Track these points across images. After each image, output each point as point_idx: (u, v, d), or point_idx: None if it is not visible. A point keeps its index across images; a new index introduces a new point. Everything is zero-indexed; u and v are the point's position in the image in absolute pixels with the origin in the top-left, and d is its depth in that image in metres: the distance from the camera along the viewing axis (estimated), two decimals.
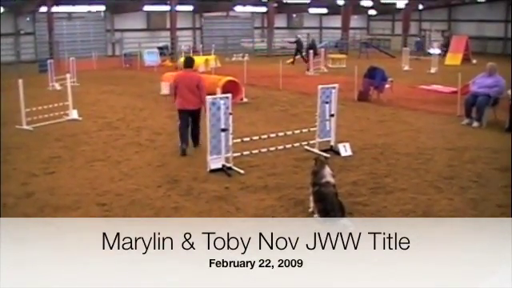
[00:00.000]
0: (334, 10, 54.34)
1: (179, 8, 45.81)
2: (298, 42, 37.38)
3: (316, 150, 11.17)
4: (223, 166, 9.80)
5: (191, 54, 38.37)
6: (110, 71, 33.36)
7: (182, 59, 28.82)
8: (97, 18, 50.05)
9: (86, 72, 30.01)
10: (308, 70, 29.92)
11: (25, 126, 14.85)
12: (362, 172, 9.97)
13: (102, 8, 48.69)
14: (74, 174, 10.25)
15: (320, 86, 11.17)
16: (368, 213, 7.80)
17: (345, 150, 11.13)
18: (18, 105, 14.99)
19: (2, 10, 44.05)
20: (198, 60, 32.97)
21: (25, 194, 8.99)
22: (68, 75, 17.34)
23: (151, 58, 37.56)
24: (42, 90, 23.12)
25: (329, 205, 7.25)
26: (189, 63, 12.12)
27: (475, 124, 14.24)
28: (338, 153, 11.09)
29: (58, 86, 24.10)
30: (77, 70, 26.31)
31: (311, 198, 7.70)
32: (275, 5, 48.91)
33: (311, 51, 31.10)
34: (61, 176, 10.13)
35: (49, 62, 26.80)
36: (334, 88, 11.24)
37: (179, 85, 11.55)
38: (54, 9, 41.96)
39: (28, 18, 46.50)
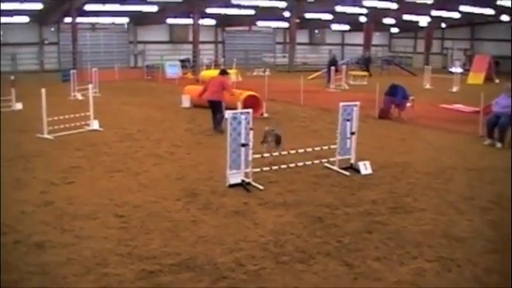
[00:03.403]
0: (356, 26, 54.37)
1: (202, 21, 46.01)
2: (333, 59, 37.10)
3: (336, 168, 11.12)
4: (242, 181, 9.78)
5: (212, 68, 38.68)
6: (132, 82, 33.62)
7: (204, 72, 29.01)
8: (120, 29, 50.55)
9: (108, 83, 30.29)
10: (329, 86, 29.95)
11: (46, 135, 14.98)
12: (382, 191, 9.89)
13: (126, 20, 49.15)
14: (93, 184, 10.29)
15: (341, 104, 11.13)
16: (387, 232, 7.72)
17: (365, 168, 11.06)
18: (40, 113, 15.14)
19: (28, 19, 44.60)
20: None
21: (43, 203, 9.03)
22: (90, 85, 17.48)
23: (173, 70, 37.79)
24: (64, 99, 23.37)
25: None
26: (222, 72, 17.05)
27: (499, 145, 14.11)
28: (358, 171, 11.02)
29: (79, 96, 24.33)
30: (99, 81, 26.56)
31: None
32: (297, 20, 48.96)
33: (332, 67, 31.14)
34: (80, 186, 10.17)
35: (72, 71, 27.04)
36: (355, 106, 11.20)
37: (210, 83, 16.33)
38: (79, 19, 42.35)
39: (52, 28, 47.07)
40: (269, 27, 56.79)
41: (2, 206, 8.55)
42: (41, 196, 9.46)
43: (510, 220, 8.17)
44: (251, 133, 9.72)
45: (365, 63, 42.38)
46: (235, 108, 17.01)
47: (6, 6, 40.20)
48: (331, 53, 46.24)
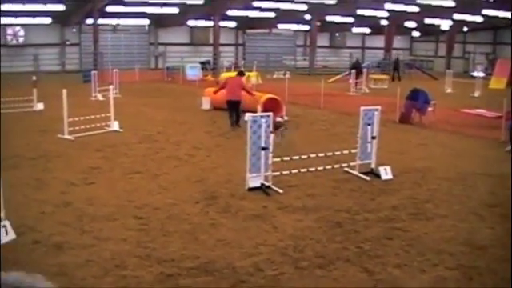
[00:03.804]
0: (377, 30, 54.14)
1: (222, 24, 46.09)
2: (357, 62, 36.85)
3: (356, 172, 11.05)
4: (262, 184, 9.74)
5: (233, 70, 38.71)
6: (152, 84, 33.75)
7: (224, 74, 29.07)
8: (141, 31, 50.83)
9: (129, 84, 30.43)
10: (355, 88, 29.96)
11: (66, 136, 15.06)
12: (403, 196, 9.79)
13: (147, 22, 49.38)
14: (113, 185, 10.32)
15: (362, 108, 11.06)
16: (408, 239, 7.64)
17: (385, 173, 10.97)
18: (61, 114, 15.23)
19: (50, 20, 45.00)
20: None
21: (63, 203, 9.08)
22: (111, 87, 17.57)
23: (193, 72, 37.90)
24: (84, 99, 23.49)
25: None
26: (239, 73, 18.65)
27: None
28: (378, 176, 10.93)
29: (100, 97, 24.47)
30: (119, 82, 26.66)
31: None
32: (318, 23, 48.86)
33: (353, 71, 31.08)
34: (99, 187, 10.21)
35: (92, 72, 27.21)
36: (376, 110, 11.12)
37: (229, 84, 17.44)
38: (100, 21, 42.64)
39: (74, 29, 47.49)
40: (289, 30, 56.76)
41: (15, 205, 8.59)
42: (61, 196, 9.51)
43: None
44: (271, 136, 9.69)
45: (394, 67, 42.03)
46: (255, 111, 17.04)
47: (28, 8, 40.65)
48: (353, 56, 46.16)
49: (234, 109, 17.12)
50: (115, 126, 16.27)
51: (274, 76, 40.41)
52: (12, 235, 7.44)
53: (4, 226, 7.44)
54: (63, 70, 46.17)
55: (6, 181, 8.09)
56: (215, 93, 18.71)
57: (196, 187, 10.11)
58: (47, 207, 8.86)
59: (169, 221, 8.21)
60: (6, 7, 39.75)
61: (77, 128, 15.32)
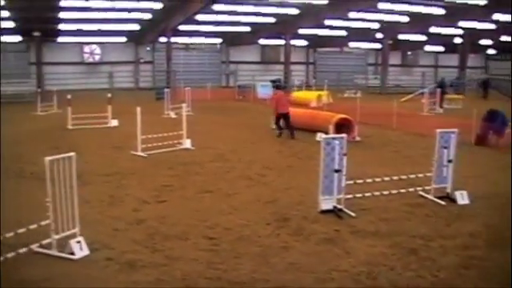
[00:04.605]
0: (450, 48, 53.09)
1: (294, 42, 46.20)
2: (442, 81, 36.09)
3: (431, 197, 10.73)
4: (334, 207, 9.58)
5: (304, 89, 38.71)
6: (224, 102, 34.03)
7: (296, 93, 29.15)
8: (213, 49, 51.52)
9: (200, 102, 30.78)
10: (440, 107, 29.60)
11: (139, 153, 15.32)
12: (480, 223, 9.39)
13: (219, 40, 50.00)
14: (185, 204, 10.37)
15: (438, 130, 10.75)
16: (485, 268, 7.32)
17: (462, 197, 10.60)
18: (134, 130, 15.51)
19: (125, 39, 46.21)
20: (310, 95, 33.13)
21: (136, 221, 9.18)
22: (184, 105, 17.79)
23: (264, 90, 38.03)
24: (157, 117, 23.94)
25: None
26: (279, 87, 22.30)
27: None
28: (454, 200, 10.59)
29: (172, 114, 24.86)
30: (191, 100, 26.98)
31: None
32: (390, 42, 48.32)
33: (438, 90, 30.72)
34: (171, 205, 10.28)
35: (165, 90, 27.69)
36: (453, 133, 10.80)
37: (280, 99, 19.75)
38: (173, 39, 43.44)
39: (148, 48, 48.60)
40: (361, 48, 56.38)
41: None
42: (133, 214, 9.63)
43: None
44: (345, 158, 9.54)
45: (482, 86, 41.09)
46: (326, 131, 16.91)
47: (105, 27, 41.88)
48: (424, 75, 45.30)
49: (286, 120, 19.26)
50: (187, 143, 16.44)
51: (345, 95, 40.12)
52: (86, 251, 7.56)
53: (79, 242, 7.57)
54: (137, 88, 47.26)
55: (81, 197, 8.23)
56: (275, 108, 19.77)
57: (267, 208, 10.02)
58: (120, 224, 8.98)
59: (240, 242, 8.15)
60: (83, 26, 41.15)
61: (150, 145, 15.56)
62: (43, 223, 7.49)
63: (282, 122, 19.51)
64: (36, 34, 40.40)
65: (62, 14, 38.02)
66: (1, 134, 17.61)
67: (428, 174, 10.91)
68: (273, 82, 43.22)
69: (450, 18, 39.83)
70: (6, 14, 36.34)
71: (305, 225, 9.00)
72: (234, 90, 41.79)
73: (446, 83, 35.39)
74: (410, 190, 10.91)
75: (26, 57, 45.60)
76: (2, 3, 33.00)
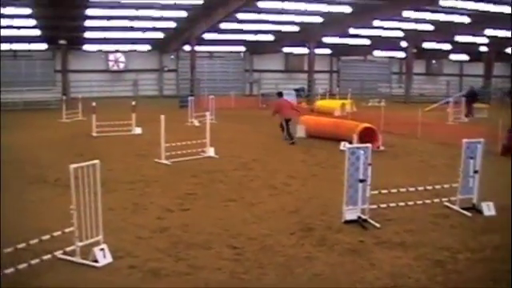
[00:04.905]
0: (475, 56, 52.59)
1: (317, 51, 46.11)
2: (471, 91, 35.55)
3: (457, 208, 10.59)
4: (359, 217, 9.49)
5: (327, 98, 38.57)
6: (247, 110, 34.05)
7: (319, 101, 29.14)
8: (237, 57, 51.61)
9: (224, 110, 30.81)
10: (468, 116, 29.40)
11: (163, 160, 15.36)
12: (507, 235, 9.24)
13: (242, 49, 50.10)
14: (208, 212, 10.36)
15: (465, 140, 10.61)
16: None
17: (488, 209, 10.44)
18: (158, 138, 15.56)
19: (149, 47, 46.53)
20: (334, 104, 33.00)
21: (159, 229, 9.18)
22: (207, 113, 17.80)
23: (288, 99, 37.88)
24: (181, 125, 24.02)
25: None
26: (281, 94, 22.26)
27: None
28: (480, 212, 10.43)
29: (196, 123, 24.91)
30: (215, 108, 27.02)
31: None
32: (414, 50, 48.02)
33: (463, 98, 30.56)
34: (195, 213, 10.28)
35: (190, 98, 27.77)
36: (479, 143, 10.66)
37: (283, 105, 20.59)
38: (197, 48, 43.62)
39: (172, 56, 48.88)
40: (384, 57, 56.12)
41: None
42: (157, 222, 9.64)
43: None
44: (370, 168, 9.45)
45: (510, 95, 40.57)
46: (350, 140, 16.81)
47: (129, 35, 42.25)
48: (449, 84, 44.95)
49: (287, 125, 20.19)
50: (211, 152, 16.44)
51: (369, 104, 39.88)
52: (109, 258, 7.57)
53: (102, 249, 7.58)
54: (161, 95, 47.49)
55: (105, 204, 8.26)
56: (275, 114, 20.86)
57: (291, 218, 9.96)
58: (144, 232, 8.99)
59: (263, 252, 8.10)
60: (108, 35, 41.54)
61: (173, 153, 15.59)
62: (67, 230, 7.52)
63: (285, 126, 20.27)
64: (62, 42, 40.82)
65: (88, 23, 38.40)
66: (0, 141, 17.82)
67: (454, 185, 10.76)
68: (296, 90, 43.27)
69: (476, 27, 39.49)
70: (32, 22, 36.82)
71: (329, 235, 8.92)
72: (258, 98, 41.76)
73: (475, 92, 34.88)
74: (436, 200, 10.77)
75: (51, 64, 46.09)
76: (30, 12, 33.43)
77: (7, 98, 40.13)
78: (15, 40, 41.46)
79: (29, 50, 44.49)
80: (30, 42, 42.69)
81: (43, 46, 44.19)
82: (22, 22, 36.87)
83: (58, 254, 7.46)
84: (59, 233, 7.59)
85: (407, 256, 8.01)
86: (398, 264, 7.70)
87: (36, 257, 7.19)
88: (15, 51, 44.50)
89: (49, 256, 7.31)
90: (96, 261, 7.45)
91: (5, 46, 42.16)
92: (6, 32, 38.26)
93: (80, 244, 7.49)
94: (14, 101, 39.70)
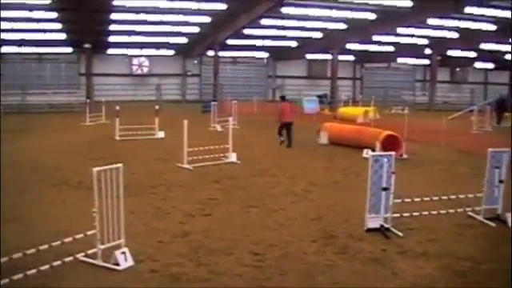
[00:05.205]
0: (501, 64, 52.07)
1: (341, 57, 46.02)
2: (501, 99, 35.10)
3: (480, 218, 10.45)
4: (381, 226, 9.40)
5: (350, 105, 38.42)
6: (270, 116, 33.81)
7: (342, 108, 29.06)
8: (260, 63, 51.69)
9: (247, 115, 30.82)
10: (499, 124, 29.25)
11: (185, 165, 15.37)
12: None
13: (266, 54, 50.18)
14: (230, 218, 10.33)
15: (490, 150, 10.48)
16: None
17: None
18: (180, 143, 15.59)
19: (173, 52, 46.78)
20: (357, 111, 32.86)
21: (181, 233, 9.18)
22: (230, 118, 17.81)
23: (311, 105, 37.90)
24: (203, 130, 24.08)
25: None
26: (284, 98, 22.58)
27: None
28: (504, 222, 10.29)
29: (219, 128, 24.97)
30: (237, 113, 27.03)
31: None
32: (439, 58, 47.70)
33: (490, 107, 30.32)
34: (216, 219, 10.25)
35: (212, 103, 27.86)
36: (505, 152, 10.52)
37: (285, 109, 20.91)
38: (221, 53, 43.77)
39: (195, 61, 49.09)
40: (408, 64, 55.82)
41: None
42: (178, 226, 9.63)
43: None
44: (393, 176, 9.36)
45: None
46: (373, 148, 16.71)
47: (153, 40, 42.55)
48: (473, 92, 44.54)
49: (288, 129, 20.77)
50: (233, 157, 16.44)
51: (392, 111, 39.69)
52: (130, 262, 7.58)
53: (123, 253, 7.60)
54: (183, 100, 47.68)
55: (128, 207, 8.27)
56: (280, 118, 21.27)
57: (313, 225, 9.90)
58: (165, 236, 8.99)
59: (285, 259, 8.04)
60: (132, 39, 41.88)
61: (195, 158, 15.60)
62: (89, 233, 7.54)
63: (284, 132, 20.94)
64: (87, 45, 41.21)
65: (113, 27, 38.75)
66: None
67: (478, 195, 10.62)
68: (319, 97, 43.15)
69: (501, 34, 39.11)
70: (58, 26, 37.26)
71: (351, 243, 8.84)
72: None
73: (505, 99, 34.40)
74: (459, 210, 10.63)
75: (76, 68, 46.62)
76: (56, 16, 33.82)
77: (32, 101, 40.72)
78: (41, 43, 42.03)
79: (54, 53, 45.03)
80: (55, 45, 43.27)
81: (68, 50, 44.74)
82: (48, 26, 37.37)
83: (80, 256, 7.49)
84: (81, 235, 7.61)
85: (429, 266, 7.91)
86: (421, 274, 7.60)
87: (58, 259, 7.22)
88: (41, 54, 45.08)
89: (71, 258, 7.33)
90: (117, 264, 7.47)
91: (30, 49, 42.81)
92: (32, 35, 38.85)
93: (102, 247, 7.50)
94: (39, 103, 40.21)
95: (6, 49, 42.63)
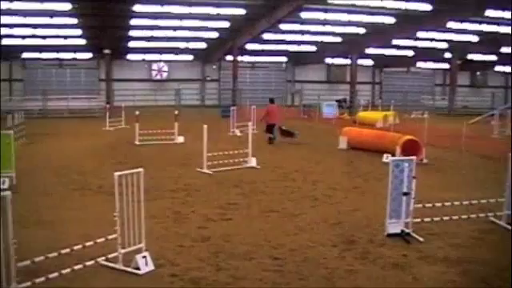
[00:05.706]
0: None
1: (360, 62, 45.90)
2: None
3: (502, 223, 10.35)
4: (402, 231, 9.35)
5: (370, 109, 38.27)
6: (289, 121, 33.88)
7: (361, 113, 28.97)
8: (279, 68, 51.69)
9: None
10: None
11: (205, 170, 15.40)
12: None
13: (285, 59, 50.17)
14: (250, 222, 10.33)
15: (511, 154, 10.39)
16: None
17: None
18: (200, 147, 15.63)
19: (192, 57, 46.94)
20: (376, 115, 32.73)
21: (201, 238, 9.19)
22: (249, 123, 17.83)
23: (329, 110, 37.81)
24: (222, 134, 24.11)
25: None
26: (272, 101, 23.94)
27: None
28: None
29: (238, 132, 24.98)
30: (256, 118, 27.05)
31: None
32: (459, 62, 47.37)
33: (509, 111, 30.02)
34: (236, 223, 10.26)
35: (232, 108, 27.89)
36: None
37: (273, 111, 22.79)
38: (240, 58, 43.84)
39: (214, 66, 49.20)
40: (428, 68, 55.50)
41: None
42: (199, 231, 9.65)
43: None
44: (414, 181, 9.31)
45: None
46: (393, 152, 16.64)
47: (172, 45, 42.78)
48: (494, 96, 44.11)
49: (270, 128, 22.52)
50: (253, 162, 16.44)
51: (412, 116, 39.45)
52: (151, 266, 7.61)
53: (144, 257, 7.63)
54: (203, 105, 47.82)
55: (148, 211, 8.32)
56: (261, 120, 23.75)
57: (333, 230, 9.87)
58: (185, 241, 9.01)
59: (305, 263, 8.03)
60: (152, 44, 42.14)
61: (215, 162, 15.64)
62: (110, 237, 7.58)
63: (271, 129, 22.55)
64: (106, 51, 41.51)
65: (132, 33, 39.00)
66: None
67: (500, 199, 10.53)
68: (338, 101, 43.04)
69: None
70: (78, 32, 37.58)
71: (371, 248, 8.80)
72: (299, 108, 41.71)
73: None
74: (481, 215, 10.54)
75: (96, 73, 46.98)
76: (76, 22, 34.12)
77: (53, 106, 41.08)
78: (61, 49, 42.43)
79: (74, 59, 45.42)
80: (75, 51, 43.66)
81: (88, 56, 45.09)
82: (69, 32, 37.73)
83: (101, 260, 7.53)
84: (102, 239, 7.65)
85: (451, 272, 7.84)
86: (442, 279, 7.55)
87: (79, 262, 7.27)
88: (61, 60, 45.50)
89: (92, 262, 7.38)
90: (138, 268, 7.50)
91: (51, 55, 43.26)
92: (52, 41, 39.24)
93: (122, 251, 7.54)
94: (60, 108, 40.56)
95: (27, 55, 43.14)
